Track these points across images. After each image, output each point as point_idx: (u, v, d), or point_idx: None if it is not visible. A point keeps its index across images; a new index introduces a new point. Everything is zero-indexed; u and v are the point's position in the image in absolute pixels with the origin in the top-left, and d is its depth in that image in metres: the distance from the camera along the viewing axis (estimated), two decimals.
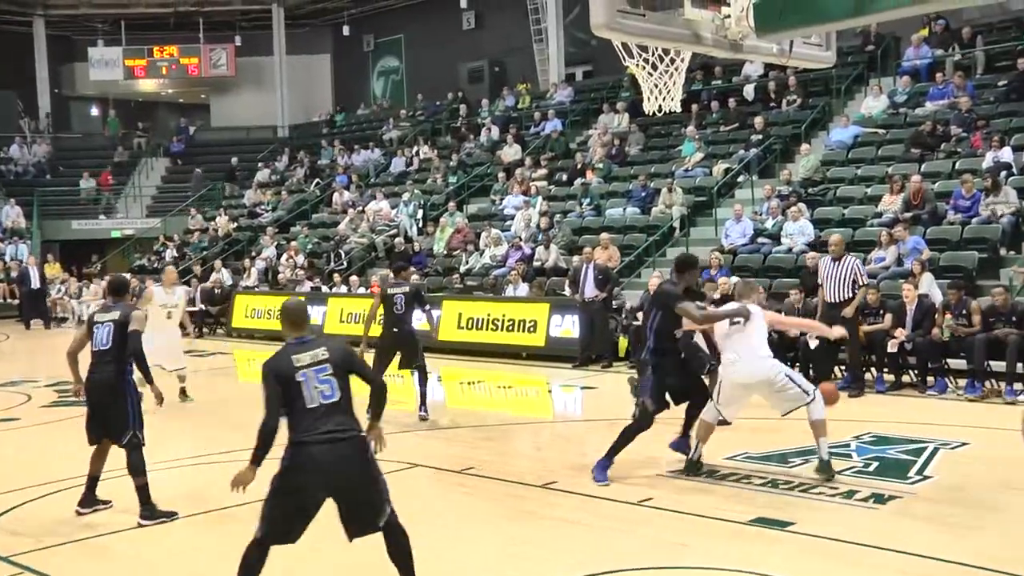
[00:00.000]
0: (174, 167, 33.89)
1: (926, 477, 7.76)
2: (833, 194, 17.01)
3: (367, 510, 4.89)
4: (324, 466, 4.79)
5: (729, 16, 6.73)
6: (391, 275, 11.78)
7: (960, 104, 17.34)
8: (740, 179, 19.00)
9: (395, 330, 10.55)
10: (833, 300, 11.51)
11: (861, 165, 17.63)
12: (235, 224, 27.07)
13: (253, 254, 24.09)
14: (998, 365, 11.20)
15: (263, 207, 27.55)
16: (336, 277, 20.74)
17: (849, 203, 16.56)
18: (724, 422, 7.98)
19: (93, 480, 7.11)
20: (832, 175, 17.65)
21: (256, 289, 22.03)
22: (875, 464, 8.13)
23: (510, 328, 16.05)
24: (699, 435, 7.81)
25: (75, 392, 7.26)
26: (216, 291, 21.85)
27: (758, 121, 19.84)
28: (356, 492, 4.88)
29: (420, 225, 22.45)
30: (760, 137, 19.46)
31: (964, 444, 8.88)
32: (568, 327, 15.36)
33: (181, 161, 33.95)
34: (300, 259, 22.22)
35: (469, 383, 14.38)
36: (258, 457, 4.85)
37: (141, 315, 7.16)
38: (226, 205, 29.11)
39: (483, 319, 16.34)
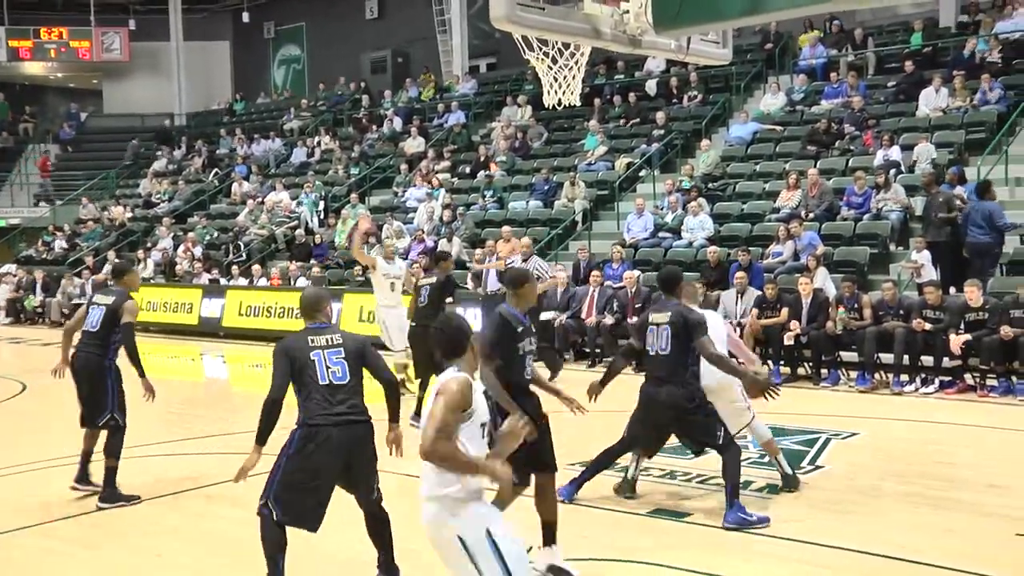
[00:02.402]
0: (64, 154, 32.70)
1: (818, 467, 7.96)
2: (732, 189, 17.33)
3: (366, 490, 5.08)
4: (341, 447, 4.85)
5: (628, 12, 6.75)
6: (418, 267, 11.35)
7: (853, 103, 17.85)
8: (642, 173, 19.22)
9: (413, 324, 10.17)
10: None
11: (759, 161, 18.00)
12: (130, 214, 26.25)
13: (149, 245, 23.41)
14: (887, 357, 11.58)
15: (159, 197, 26.78)
16: (235, 269, 20.30)
17: (748, 198, 16.89)
18: None
19: (87, 456, 7.20)
20: (732, 170, 17.98)
21: (152, 281, 21.41)
22: None
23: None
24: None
25: (54, 369, 7.31)
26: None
27: (660, 116, 20.09)
28: (364, 472, 5.04)
29: (321, 217, 22.12)
30: (662, 132, 19.71)
31: (855, 434, 9.14)
32: (469, 321, 15.32)
33: (71, 148, 32.78)
34: (198, 251, 21.68)
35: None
36: (263, 436, 4.84)
37: (133, 306, 7.13)
38: (120, 195, 28.23)
39: None
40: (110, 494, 6.92)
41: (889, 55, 19.67)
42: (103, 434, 7.12)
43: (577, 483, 6.86)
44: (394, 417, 5.16)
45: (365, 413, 5.01)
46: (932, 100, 17.20)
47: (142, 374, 6.99)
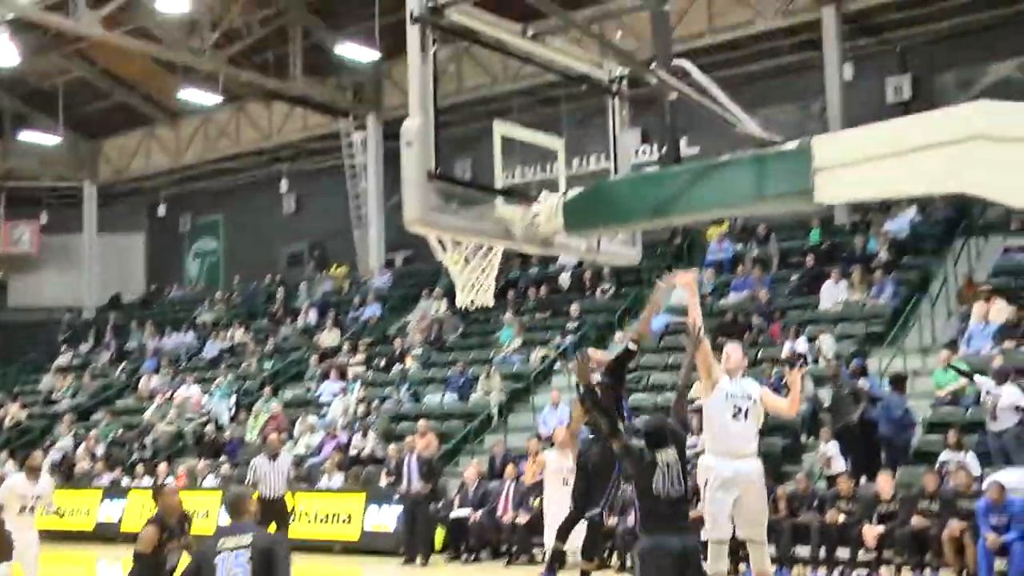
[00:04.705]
0: None
1: None
2: (647, 380, 17.44)
3: None
4: None
5: (539, 215, 6.91)
6: None
7: (760, 296, 18.41)
8: (557, 365, 19.31)
9: None
10: (270, 496, 12.45)
11: (673, 353, 18.23)
12: (27, 412, 25.23)
13: (47, 444, 22.44)
14: (803, 550, 11.48)
15: (61, 393, 25.89)
16: (139, 468, 19.49)
17: (662, 390, 16.97)
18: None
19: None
20: (645, 363, 18.14)
21: None
22: None
23: (323, 520, 15.37)
24: None
25: None
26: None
27: (573, 308, 20.40)
28: None
29: (233, 412, 21.58)
30: (575, 324, 19.97)
31: None
32: (384, 520, 14.86)
33: None
34: (100, 449, 20.84)
35: None
36: None
37: (144, 534, 7.48)
38: (18, 392, 27.22)
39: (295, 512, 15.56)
40: None
41: (792, 249, 20.43)
42: None
43: None
44: None
45: None
46: (833, 294, 17.86)
47: None
